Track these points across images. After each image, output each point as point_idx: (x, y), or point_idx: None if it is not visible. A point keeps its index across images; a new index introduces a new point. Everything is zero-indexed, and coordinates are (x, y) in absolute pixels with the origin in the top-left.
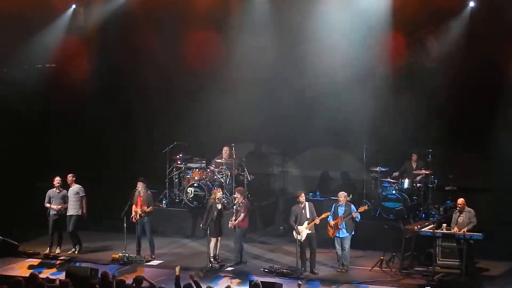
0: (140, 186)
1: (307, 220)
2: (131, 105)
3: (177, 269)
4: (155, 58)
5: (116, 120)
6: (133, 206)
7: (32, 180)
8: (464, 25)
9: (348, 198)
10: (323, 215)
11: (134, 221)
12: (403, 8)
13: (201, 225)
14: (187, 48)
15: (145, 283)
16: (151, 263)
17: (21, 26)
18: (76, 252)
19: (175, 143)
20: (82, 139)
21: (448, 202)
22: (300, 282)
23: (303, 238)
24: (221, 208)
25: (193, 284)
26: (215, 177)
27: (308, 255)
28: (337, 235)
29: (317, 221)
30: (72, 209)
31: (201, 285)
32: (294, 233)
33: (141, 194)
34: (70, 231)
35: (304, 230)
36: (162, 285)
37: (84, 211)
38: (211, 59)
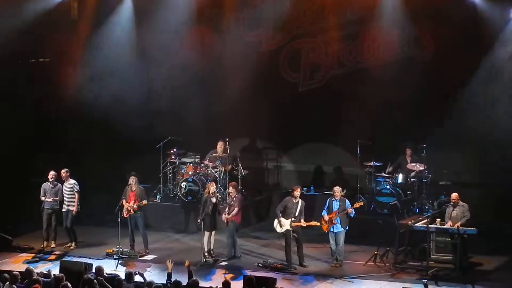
0: (132, 180)
1: (293, 218)
2: (127, 101)
3: (170, 266)
4: (150, 53)
5: (110, 115)
6: (125, 201)
7: (27, 175)
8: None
9: (343, 193)
10: (312, 223)
11: (126, 216)
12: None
13: (197, 220)
14: (181, 43)
15: (137, 278)
16: (144, 257)
17: (14, 18)
18: (72, 247)
19: (169, 137)
20: (78, 135)
21: (442, 197)
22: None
23: (282, 231)
24: (215, 202)
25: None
26: (209, 172)
27: (295, 248)
28: (331, 229)
29: (304, 224)
30: (68, 205)
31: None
32: (276, 222)
33: (134, 189)
34: (68, 227)
35: (286, 225)
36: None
37: (75, 207)
38: (205, 54)
